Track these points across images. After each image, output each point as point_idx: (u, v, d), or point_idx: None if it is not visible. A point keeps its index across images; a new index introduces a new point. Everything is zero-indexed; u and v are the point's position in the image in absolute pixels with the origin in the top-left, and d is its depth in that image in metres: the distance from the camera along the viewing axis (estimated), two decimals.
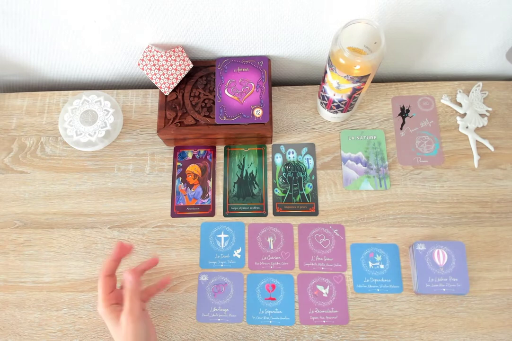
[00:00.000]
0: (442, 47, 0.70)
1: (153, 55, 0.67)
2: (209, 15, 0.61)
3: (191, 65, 0.67)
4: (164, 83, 0.67)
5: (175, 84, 0.68)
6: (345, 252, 0.66)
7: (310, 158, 0.71)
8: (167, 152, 0.73)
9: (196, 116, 0.67)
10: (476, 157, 0.70)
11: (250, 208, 0.69)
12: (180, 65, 0.67)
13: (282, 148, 0.72)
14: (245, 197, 0.70)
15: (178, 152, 0.72)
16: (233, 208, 0.69)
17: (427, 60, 0.74)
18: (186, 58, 0.67)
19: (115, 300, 0.54)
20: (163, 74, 0.67)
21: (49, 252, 0.68)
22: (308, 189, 0.70)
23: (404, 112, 0.73)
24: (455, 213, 0.68)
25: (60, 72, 0.78)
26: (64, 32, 0.66)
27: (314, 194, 0.69)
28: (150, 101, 0.75)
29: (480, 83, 0.73)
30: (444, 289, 0.60)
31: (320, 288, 0.65)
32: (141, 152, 0.73)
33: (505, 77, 0.79)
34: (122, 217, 0.69)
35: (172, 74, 0.67)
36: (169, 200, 0.70)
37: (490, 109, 0.72)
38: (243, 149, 0.72)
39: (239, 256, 0.67)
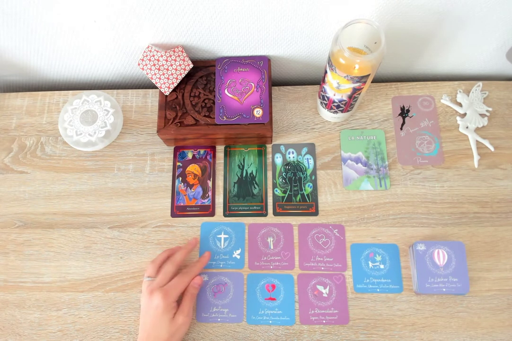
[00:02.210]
0: (442, 47, 0.70)
1: (153, 55, 0.67)
2: (209, 15, 0.61)
3: (191, 65, 0.67)
4: (164, 83, 0.67)
5: (175, 84, 0.68)
6: (345, 252, 0.66)
7: (310, 158, 0.71)
8: (167, 152, 0.73)
9: (196, 116, 0.67)
10: (476, 157, 0.70)
11: (250, 208, 0.69)
12: (180, 65, 0.67)
13: (282, 148, 0.72)
14: (245, 197, 0.70)
15: (178, 152, 0.72)
16: (233, 208, 0.69)
17: (427, 60, 0.74)
18: (186, 58, 0.67)
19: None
20: (163, 74, 0.67)
21: (49, 252, 0.68)
22: (308, 189, 0.70)
23: (404, 112, 0.73)
24: (455, 213, 0.68)
25: (60, 72, 0.78)
26: (64, 32, 0.66)
27: (314, 194, 0.69)
28: (150, 101, 0.75)
29: (480, 83, 0.73)
30: (444, 289, 0.60)
31: (320, 288, 0.65)
32: (141, 152, 0.73)
33: (505, 77, 0.79)
34: (122, 217, 0.69)
35: (172, 74, 0.67)
36: (169, 200, 0.70)
37: (490, 109, 0.72)
38: (243, 149, 0.72)
39: (238, 257, 0.67)
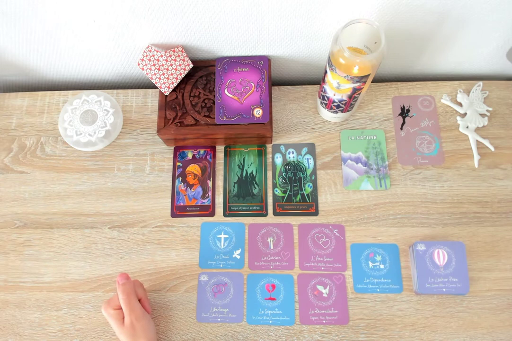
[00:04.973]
0: (442, 47, 0.70)
1: (153, 55, 0.67)
2: (209, 15, 0.61)
3: (191, 65, 0.67)
4: (164, 83, 0.67)
5: (175, 84, 0.68)
6: (345, 252, 0.66)
7: (310, 158, 0.71)
8: (167, 152, 0.73)
9: (196, 116, 0.67)
10: (476, 157, 0.70)
11: (250, 208, 0.69)
12: (180, 65, 0.67)
13: (282, 148, 0.72)
14: (245, 197, 0.70)
15: (178, 152, 0.72)
16: (233, 208, 0.69)
17: (427, 60, 0.74)
18: (186, 58, 0.67)
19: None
20: (163, 74, 0.67)
21: (49, 252, 0.68)
22: (308, 189, 0.70)
23: (404, 112, 0.73)
24: (455, 213, 0.67)
25: (60, 72, 0.78)
26: (64, 32, 0.66)
27: (314, 194, 0.69)
28: (150, 101, 0.75)
29: (481, 83, 0.73)
30: (444, 289, 0.60)
31: (320, 288, 0.65)
32: (141, 152, 0.73)
33: (506, 77, 0.79)
34: (122, 217, 0.69)
35: (172, 74, 0.67)
36: (169, 200, 0.70)
37: (490, 109, 0.72)
38: (243, 149, 0.72)
39: (238, 257, 0.67)
